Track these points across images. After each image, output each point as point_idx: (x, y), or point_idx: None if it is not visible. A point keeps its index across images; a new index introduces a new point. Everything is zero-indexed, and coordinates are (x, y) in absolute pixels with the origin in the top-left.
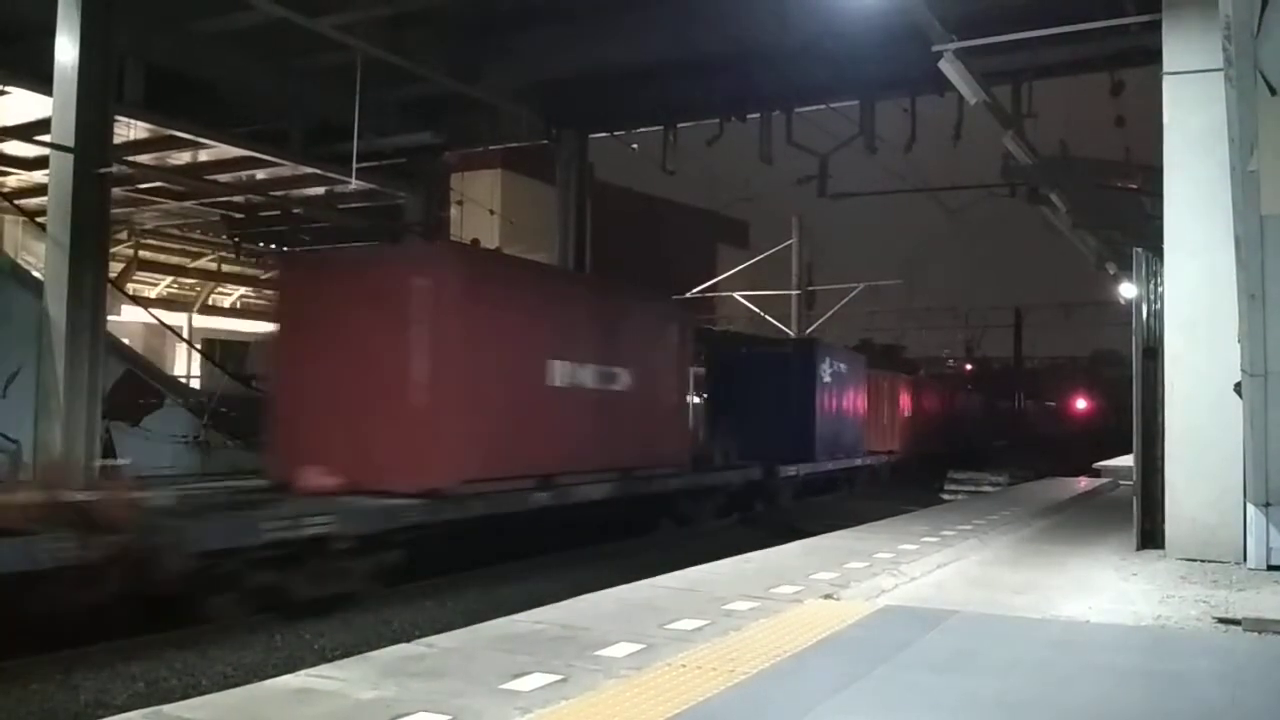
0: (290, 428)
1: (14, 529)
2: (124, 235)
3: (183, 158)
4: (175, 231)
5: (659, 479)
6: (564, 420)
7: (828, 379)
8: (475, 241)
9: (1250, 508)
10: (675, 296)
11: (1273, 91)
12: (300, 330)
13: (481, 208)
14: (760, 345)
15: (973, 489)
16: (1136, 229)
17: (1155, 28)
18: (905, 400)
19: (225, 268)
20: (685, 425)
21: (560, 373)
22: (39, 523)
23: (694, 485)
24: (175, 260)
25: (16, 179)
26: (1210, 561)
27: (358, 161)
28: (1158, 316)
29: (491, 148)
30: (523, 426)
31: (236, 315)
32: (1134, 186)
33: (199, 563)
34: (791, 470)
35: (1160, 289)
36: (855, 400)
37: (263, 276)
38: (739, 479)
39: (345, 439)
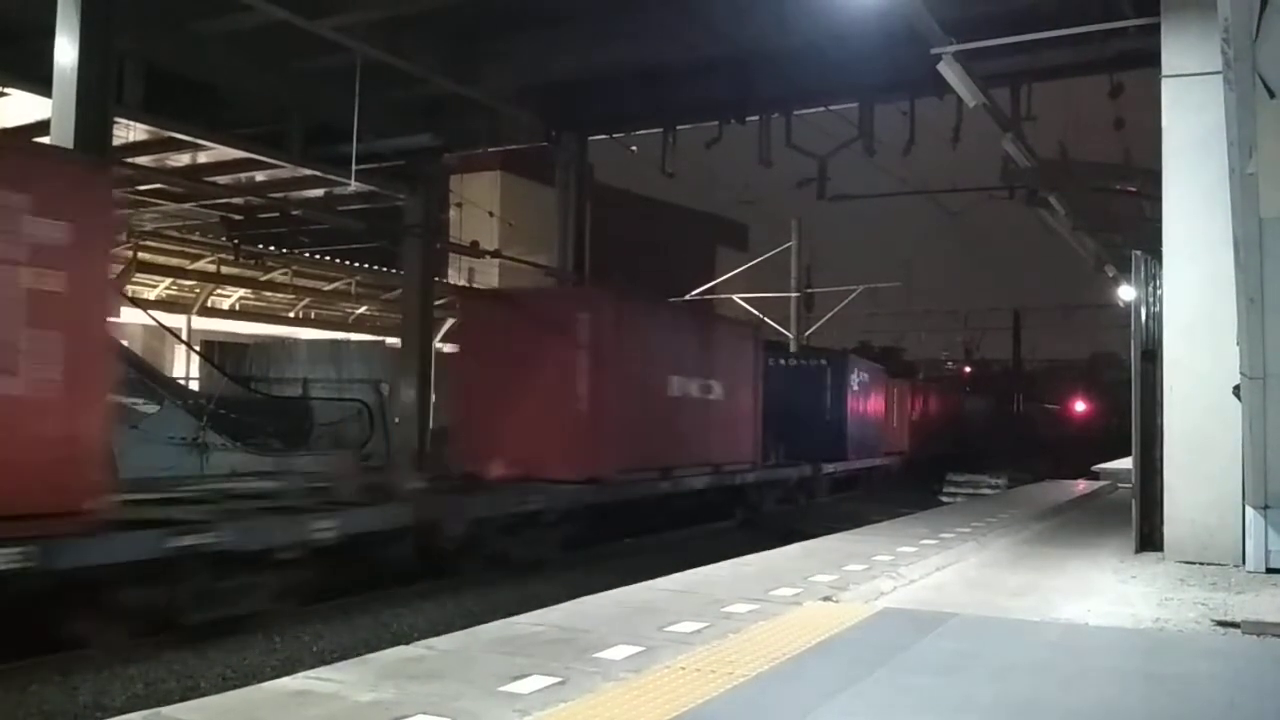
0: (474, 429)
1: (350, 501)
2: (123, 237)
3: (182, 160)
4: (174, 233)
5: (740, 473)
6: (678, 423)
7: (856, 387)
8: (475, 244)
9: (1249, 510)
10: (673, 299)
11: (1271, 94)
12: (481, 351)
13: (481, 209)
14: (799, 356)
15: (971, 491)
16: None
17: (1154, 30)
18: (912, 404)
19: (224, 269)
20: (758, 428)
21: (676, 385)
22: (362, 496)
23: (764, 479)
24: (174, 262)
25: None
26: (1209, 564)
27: (357, 163)
28: (1156, 319)
29: (491, 150)
30: (652, 428)
31: (235, 317)
32: (1133, 189)
33: (468, 529)
34: (830, 468)
35: (1159, 292)
36: (876, 405)
37: (261, 278)
38: (795, 474)
39: (520, 437)
